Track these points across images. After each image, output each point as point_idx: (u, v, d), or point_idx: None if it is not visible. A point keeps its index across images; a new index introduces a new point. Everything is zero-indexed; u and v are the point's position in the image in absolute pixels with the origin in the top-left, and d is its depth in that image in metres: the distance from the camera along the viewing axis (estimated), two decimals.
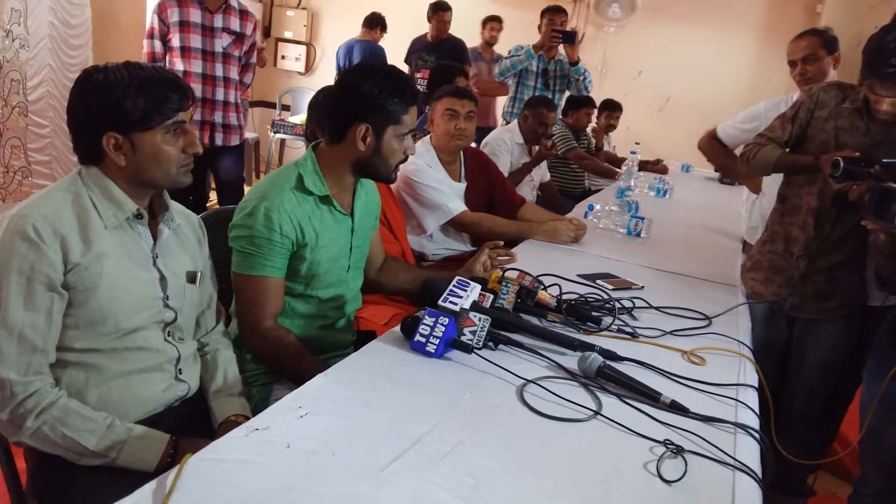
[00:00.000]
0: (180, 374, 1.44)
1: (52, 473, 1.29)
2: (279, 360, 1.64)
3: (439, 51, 5.46)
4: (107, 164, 1.32)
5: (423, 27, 5.67)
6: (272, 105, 7.34)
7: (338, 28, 7.34)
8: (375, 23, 6.02)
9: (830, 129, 2.02)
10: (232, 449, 1.06)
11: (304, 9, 7.41)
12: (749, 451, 1.27)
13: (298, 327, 1.73)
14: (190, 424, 1.43)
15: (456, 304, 1.54)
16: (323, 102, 1.72)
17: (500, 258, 2.03)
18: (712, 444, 1.24)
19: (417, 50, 5.60)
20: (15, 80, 4.11)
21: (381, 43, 6.08)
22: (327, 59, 7.41)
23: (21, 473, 1.40)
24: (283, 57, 7.53)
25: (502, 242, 2.06)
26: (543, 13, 4.60)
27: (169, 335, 1.42)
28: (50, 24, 4.16)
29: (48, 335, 1.24)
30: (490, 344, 1.53)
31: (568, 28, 5.67)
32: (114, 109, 1.26)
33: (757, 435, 1.32)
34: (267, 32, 7.40)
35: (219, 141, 3.61)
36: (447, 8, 5.52)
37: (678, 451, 1.21)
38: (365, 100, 1.65)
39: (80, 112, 1.29)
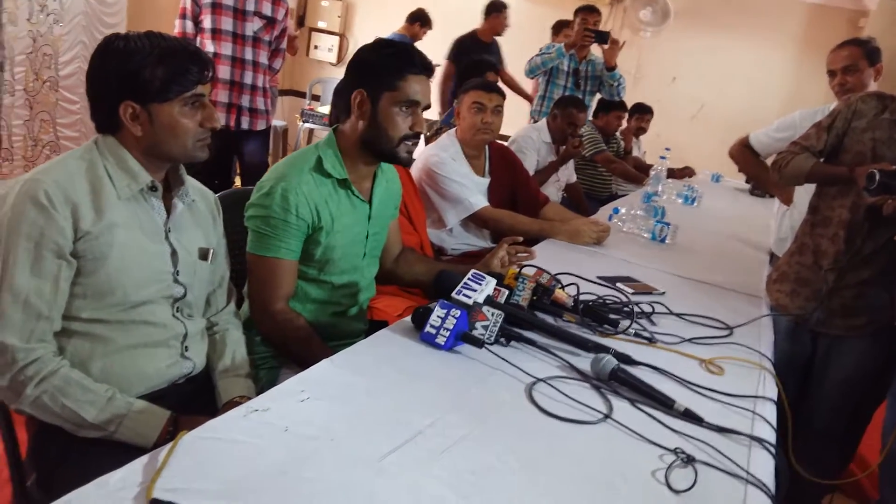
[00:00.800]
0: (186, 351, 1.42)
1: (50, 443, 1.28)
2: (288, 343, 1.62)
3: (491, 50, 5.40)
4: (123, 134, 1.30)
5: (464, 25, 5.59)
6: (302, 94, 7.35)
7: (372, 20, 7.34)
8: (416, 18, 5.87)
9: (868, 140, 1.95)
10: (229, 428, 1.04)
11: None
12: (763, 466, 1.22)
13: (310, 312, 1.71)
14: (194, 403, 1.42)
15: (469, 297, 1.51)
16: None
17: (518, 255, 1.99)
18: (725, 456, 1.20)
19: (468, 49, 5.48)
20: (47, 54, 4.15)
21: (423, 39, 5.97)
22: None
23: (22, 445, 1.38)
24: (315, 47, 7.54)
25: (521, 238, 2.01)
26: (577, 12, 4.54)
27: (177, 311, 1.41)
28: (85, 0, 4.19)
29: (54, 303, 1.23)
30: (502, 340, 1.50)
31: (607, 31, 5.62)
32: (132, 78, 1.25)
33: (772, 449, 1.27)
34: (301, 22, 7.41)
35: (245, 125, 3.60)
36: (506, 6, 5.46)
37: (689, 460, 1.16)
38: (360, 66, 1.63)
39: (99, 79, 1.28)
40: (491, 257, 1.94)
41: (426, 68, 1.66)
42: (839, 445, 2.28)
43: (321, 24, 7.48)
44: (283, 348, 1.66)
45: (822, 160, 2.07)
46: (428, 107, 1.68)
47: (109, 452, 1.22)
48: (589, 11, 4.51)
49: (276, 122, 6.66)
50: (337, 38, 7.49)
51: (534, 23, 6.44)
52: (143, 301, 1.33)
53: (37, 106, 4.22)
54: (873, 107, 1.97)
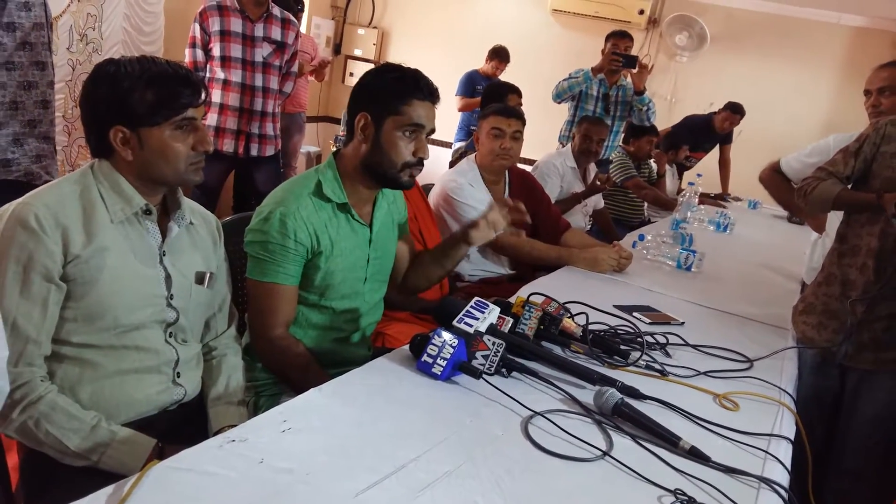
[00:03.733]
0: (178, 377, 1.40)
1: (37, 470, 1.27)
2: (286, 370, 1.60)
3: None
4: (116, 158, 1.31)
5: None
6: (337, 121, 7.42)
7: (407, 48, 7.39)
8: (496, 54, 5.87)
9: None
10: (202, 459, 1.01)
11: (374, 27, 7.50)
12: None
13: (311, 339, 1.68)
14: (186, 429, 1.39)
15: (471, 325, 1.46)
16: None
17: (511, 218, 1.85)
18: (729, 499, 1.12)
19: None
20: None
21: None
22: None
23: (13, 471, 1.37)
24: (351, 74, 7.62)
25: (511, 202, 1.88)
26: (608, 38, 4.50)
27: (170, 336, 1.39)
28: (123, 30, 4.31)
29: (42, 326, 1.22)
30: (503, 371, 1.45)
31: (636, 55, 5.59)
32: (121, 103, 1.25)
33: (783, 492, 1.19)
34: (337, 49, 7.51)
35: (254, 151, 3.60)
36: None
37: (689, 502, 1.10)
38: (365, 90, 1.62)
39: (90, 104, 1.29)
40: (475, 225, 1.81)
41: (431, 94, 1.63)
42: (874, 484, 2.15)
43: (357, 52, 7.57)
44: (282, 375, 1.63)
45: (849, 186, 1.99)
46: (432, 132, 1.66)
47: (96, 480, 1.20)
48: (620, 37, 4.46)
49: (311, 148, 6.74)
50: (372, 65, 7.54)
51: (565, 49, 6.43)
52: (134, 325, 1.32)
53: (75, 132, 4.33)
54: None
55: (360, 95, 1.64)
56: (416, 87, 1.62)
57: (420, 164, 1.65)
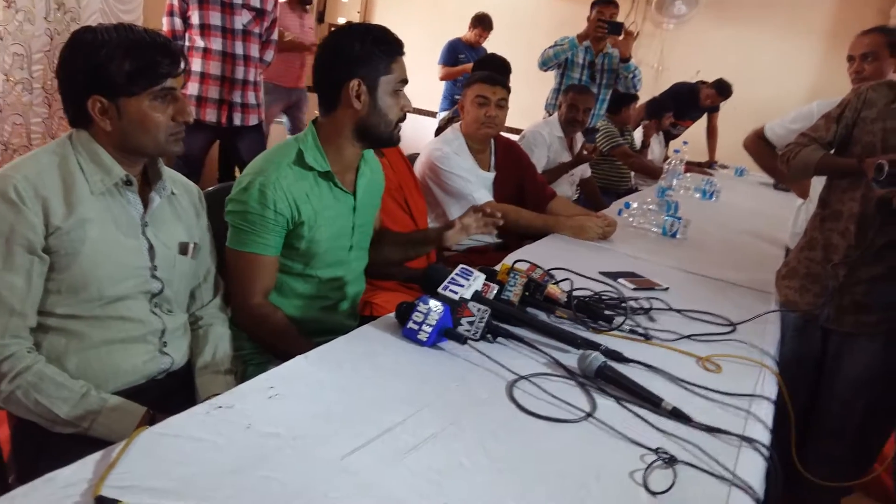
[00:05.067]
0: (165, 346, 1.41)
1: (28, 439, 1.28)
2: (266, 337, 1.62)
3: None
4: (95, 129, 1.29)
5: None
6: None
7: (392, 14, 7.32)
8: (479, 21, 5.85)
9: (878, 130, 1.87)
10: (189, 425, 1.01)
11: None
12: (752, 468, 1.16)
13: (297, 308, 1.69)
14: (175, 398, 1.39)
15: (456, 292, 1.48)
16: (314, 73, 1.66)
17: (485, 221, 1.90)
18: (710, 457, 1.14)
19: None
20: None
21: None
22: None
23: (5, 444, 1.38)
24: None
25: (489, 209, 1.92)
26: (593, 5, 4.46)
27: (155, 306, 1.39)
28: None
29: (27, 298, 1.22)
30: (488, 336, 1.46)
31: (621, 22, 5.57)
32: (98, 72, 1.23)
33: (763, 450, 1.21)
34: (321, 18, 7.41)
35: (237, 121, 3.56)
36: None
37: (670, 460, 1.12)
38: (352, 54, 1.60)
39: (66, 73, 1.27)
40: (451, 225, 1.90)
41: (402, 47, 1.67)
42: (857, 446, 2.19)
43: (340, 20, 7.47)
44: (262, 342, 1.65)
45: (831, 152, 2.00)
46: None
47: (87, 448, 1.21)
48: (605, 4, 4.43)
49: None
50: None
51: (549, 17, 6.38)
52: (118, 296, 1.32)
53: (55, 104, 4.26)
54: (884, 95, 1.89)
55: (344, 63, 1.62)
56: (396, 44, 1.64)
57: (404, 117, 1.68)
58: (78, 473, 0.89)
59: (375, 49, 1.61)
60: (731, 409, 1.36)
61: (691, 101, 5.59)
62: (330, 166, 1.64)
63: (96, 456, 0.92)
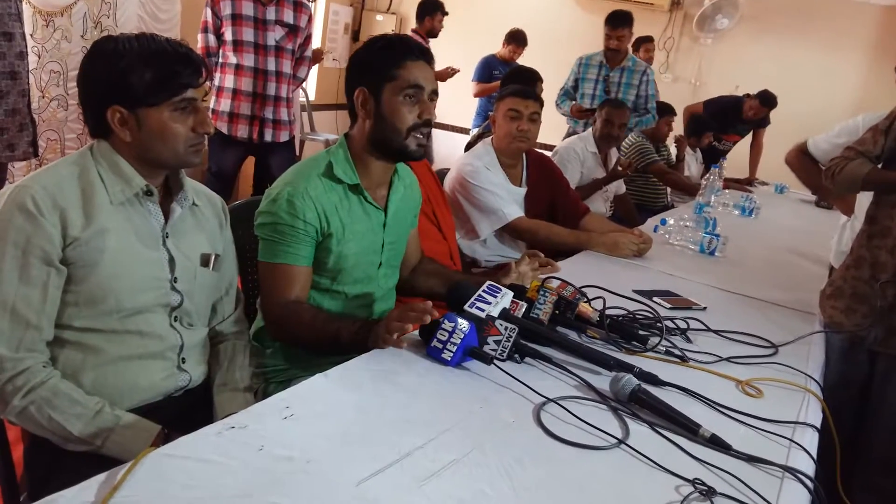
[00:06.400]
0: (183, 363, 1.37)
1: (40, 457, 1.25)
2: (296, 329, 1.53)
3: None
4: (115, 139, 1.27)
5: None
6: None
7: None
8: (513, 38, 5.81)
9: None
10: (200, 447, 0.97)
11: (393, 13, 7.44)
12: (796, 501, 1.09)
13: None
14: (191, 416, 1.36)
15: (483, 310, 1.42)
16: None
17: (540, 268, 1.88)
18: (751, 489, 1.07)
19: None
20: None
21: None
22: None
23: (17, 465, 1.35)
24: None
25: (542, 255, 1.90)
26: (605, 21, 4.37)
27: (175, 320, 1.36)
28: (139, 17, 4.30)
29: (42, 311, 1.19)
30: (516, 356, 1.40)
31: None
32: (118, 82, 1.21)
33: (808, 482, 1.13)
34: (356, 37, 7.46)
35: (268, 137, 3.56)
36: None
37: (708, 492, 1.05)
38: (356, 65, 1.58)
39: (86, 82, 1.25)
40: (507, 272, 1.84)
41: (423, 53, 1.59)
42: None
43: None
44: (293, 338, 1.57)
45: (879, 166, 1.91)
46: (435, 93, 1.61)
47: (100, 467, 1.18)
48: (613, 26, 4.31)
49: (331, 136, 6.70)
50: None
51: (584, 34, 6.32)
52: (137, 309, 1.29)
53: None
54: None
55: (353, 73, 1.61)
56: (406, 48, 1.58)
57: (426, 126, 1.58)
58: (80, 496, 0.85)
59: (378, 55, 1.57)
60: (773, 437, 1.28)
61: (735, 115, 5.45)
62: (360, 180, 1.60)
63: (101, 477, 0.89)
